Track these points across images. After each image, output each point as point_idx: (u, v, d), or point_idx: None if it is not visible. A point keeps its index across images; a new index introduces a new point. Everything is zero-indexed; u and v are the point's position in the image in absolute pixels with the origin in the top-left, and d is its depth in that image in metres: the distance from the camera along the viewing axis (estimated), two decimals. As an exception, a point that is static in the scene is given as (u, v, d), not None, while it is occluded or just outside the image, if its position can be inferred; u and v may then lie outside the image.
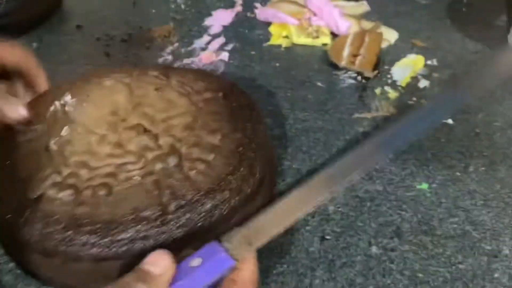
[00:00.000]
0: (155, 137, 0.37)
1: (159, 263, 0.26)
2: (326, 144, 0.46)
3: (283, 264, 0.36)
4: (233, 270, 0.28)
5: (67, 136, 0.37)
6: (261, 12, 0.66)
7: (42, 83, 0.42)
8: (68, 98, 0.41)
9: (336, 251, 0.37)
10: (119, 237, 0.32)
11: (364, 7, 0.68)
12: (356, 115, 0.50)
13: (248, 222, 0.30)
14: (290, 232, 0.38)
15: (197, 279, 0.26)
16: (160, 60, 0.58)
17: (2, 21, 0.61)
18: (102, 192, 0.33)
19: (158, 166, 0.35)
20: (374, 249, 0.37)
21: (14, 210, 0.33)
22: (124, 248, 0.31)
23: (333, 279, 0.35)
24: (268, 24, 0.65)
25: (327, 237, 0.38)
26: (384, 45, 0.60)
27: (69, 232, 0.32)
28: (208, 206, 0.33)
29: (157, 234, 0.32)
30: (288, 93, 0.53)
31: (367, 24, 0.64)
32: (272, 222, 0.30)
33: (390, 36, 0.62)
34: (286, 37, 0.62)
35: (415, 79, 0.55)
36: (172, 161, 0.36)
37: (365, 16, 0.67)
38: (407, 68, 0.56)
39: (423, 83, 0.54)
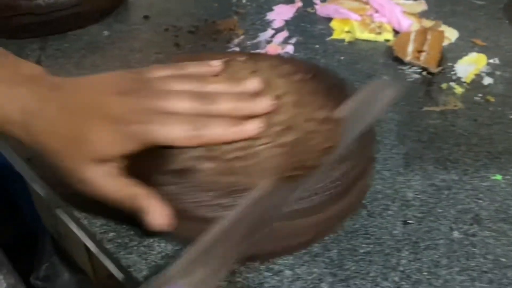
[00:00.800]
0: (273, 114, 0.39)
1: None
2: (398, 134, 0.48)
3: (370, 244, 0.37)
4: None
5: None
6: (322, 8, 0.67)
7: None
8: None
9: (419, 234, 0.38)
10: None
11: (422, 5, 0.69)
12: (425, 108, 0.51)
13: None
14: (372, 215, 0.40)
15: None
16: (228, 51, 0.60)
17: (74, 10, 0.64)
18: (241, 163, 0.36)
19: (284, 139, 0.37)
20: (455, 234, 0.38)
21: (159, 182, 0.36)
22: None
23: (418, 259, 0.36)
24: (329, 19, 0.66)
25: (409, 221, 0.39)
26: (445, 43, 0.61)
27: (222, 200, 0.35)
28: (336, 173, 0.37)
29: None
30: (356, 85, 0.54)
31: (427, 23, 0.65)
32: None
33: (450, 34, 0.63)
34: (348, 32, 0.63)
35: (478, 76, 0.56)
36: (295, 134, 0.38)
37: (423, 14, 0.68)
38: (471, 65, 0.57)
39: (487, 80, 0.55)
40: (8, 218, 0.93)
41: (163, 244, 0.37)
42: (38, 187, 0.47)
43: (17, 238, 0.93)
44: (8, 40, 0.62)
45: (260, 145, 0.37)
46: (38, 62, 0.58)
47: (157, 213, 0.34)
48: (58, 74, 0.55)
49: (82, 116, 0.34)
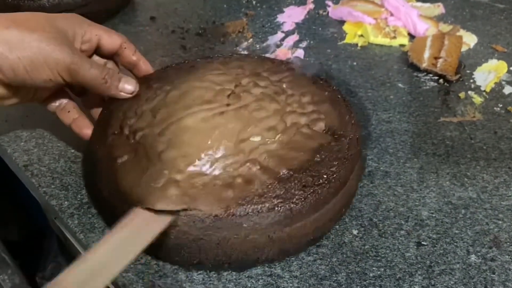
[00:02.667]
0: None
1: None
2: (412, 147, 0.45)
3: (380, 267, 0.35)
4: None
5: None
6: (335, 10, 0.65)
7: (147, 68, 0.44)
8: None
9: (434, 257, 0.36)
10: None
11: (440, 9, 0.66)
12: (442, 118, 0.48)
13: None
14: (384, 235, 0.37)
15: None
16: (236, 54, 0.58)
17: (79, 11, 0.62)
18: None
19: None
20: (473, 257, 0.36)
21: None
22: None
23: (432, 286, 0.34)
24: (341, 22, 0.64)
25: (423, 242, 0.37)
26: (463, 49, 0.58)
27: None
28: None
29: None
30: (369, 92, 0.52)
31: (444, 27, 0.62)
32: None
33: (469, 39, 0.60)
34: (362, 36, 0.61)
35: (499, 84, 0.53)
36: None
37: (440, 18, 0.65)
38: (490, 73, 0.54)
39: (508, 89, 0.52)
40: (15, 217, 0.92)
41: (161, 263, 0.35)
42: (37, 195, 0.45)
43: (24, 237, 0.92)
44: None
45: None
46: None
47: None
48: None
49: None
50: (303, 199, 0.34)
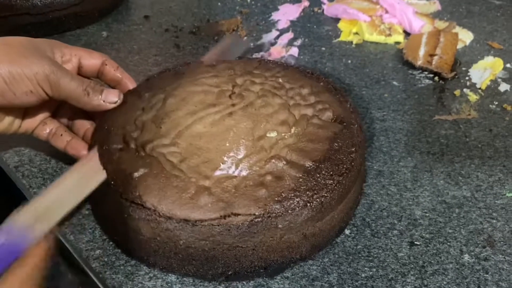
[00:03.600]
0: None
1: None
2: (407, 145, 0.45)
3: (372, 268, 0.35)
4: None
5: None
6: (330, 8, 0.64)
7: (132, 84, 0.42)
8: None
9: (427, 257, 0.36)
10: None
11: (435, 6, 0.66)
12: (437, 116, 0.48)
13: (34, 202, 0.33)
14: (376, 235, 0.37)
15: None
16: (230, 53, 0.57)
17: (72, 10, 0.62)
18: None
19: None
20: (466, 257, 0.36)
21: None
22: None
23: (425, 286, 0.34)
24: (336, 20, 0.63)
25: (416, 242, 0.37)
26: (459, 46, 0.58)
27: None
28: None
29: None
30: (363, 91, 0.51)
31: (440, 24, 0.62)
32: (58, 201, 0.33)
33: (465, 36, 0.60)
34: (357, 34, 0.60)
35: (494, 82, 0.53)
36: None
37: (436, 15, 0.65)
38: (486, 70, 0.54)
39: (504, 87, 0.52)
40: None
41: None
42: (28, 196, 0.45)
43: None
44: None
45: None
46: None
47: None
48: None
49: None
50: (333, 188, 0.34)
